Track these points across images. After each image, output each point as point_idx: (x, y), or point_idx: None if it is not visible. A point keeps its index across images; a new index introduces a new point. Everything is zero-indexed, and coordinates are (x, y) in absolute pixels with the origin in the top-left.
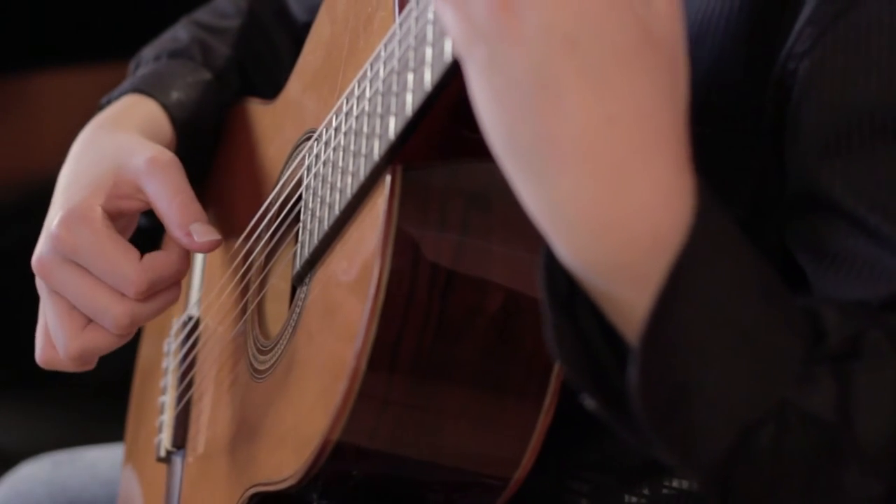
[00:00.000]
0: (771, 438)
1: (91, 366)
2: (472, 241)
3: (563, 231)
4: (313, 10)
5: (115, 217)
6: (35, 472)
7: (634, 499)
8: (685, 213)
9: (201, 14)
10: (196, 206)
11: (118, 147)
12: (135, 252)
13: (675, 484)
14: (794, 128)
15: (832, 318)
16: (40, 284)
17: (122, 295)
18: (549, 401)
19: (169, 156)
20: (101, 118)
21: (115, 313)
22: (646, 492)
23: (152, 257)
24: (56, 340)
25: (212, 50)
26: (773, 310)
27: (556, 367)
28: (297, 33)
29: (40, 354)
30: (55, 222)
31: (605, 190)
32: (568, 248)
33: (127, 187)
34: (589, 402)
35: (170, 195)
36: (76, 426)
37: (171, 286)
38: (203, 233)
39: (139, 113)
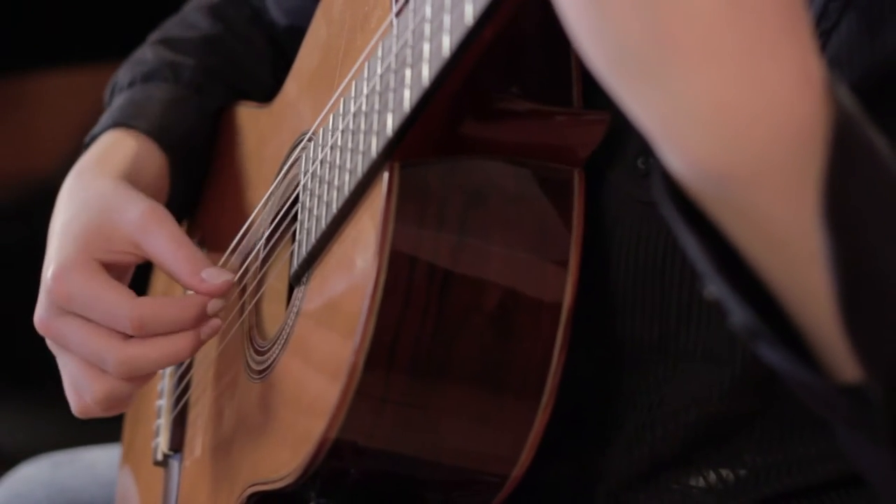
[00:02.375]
0: None
1: (127, 408)
2: (470, 237)
3: (693, 137)
4: (292, 14)
5: (110, 267)
6: (34, 472)
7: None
8: (819, 99)
9: (169, 27)
10: (200, 254)
11: (103, 197)
12: (128, 291)
13: (683, 481)
14: None
15: None
16: (51, 343)
17: (122, 339)
18: (547, 398)
19: (158, 208)
20: (83, 162)
21: (114, 357)
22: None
23: (149, 297)
24: (81, 390)
25: (180, 66)
26: None
27: (554, 365)
28: (277, 37)
29: (75, 407)
30: (48, 276)
31: (740, 80)
32: (699, 157)
33: (122, 244)
34: (740, 321)
35: (173, 249)
36: (75, 427)
37: (179, 333)
38: (216, 275)
39: (121, 152)
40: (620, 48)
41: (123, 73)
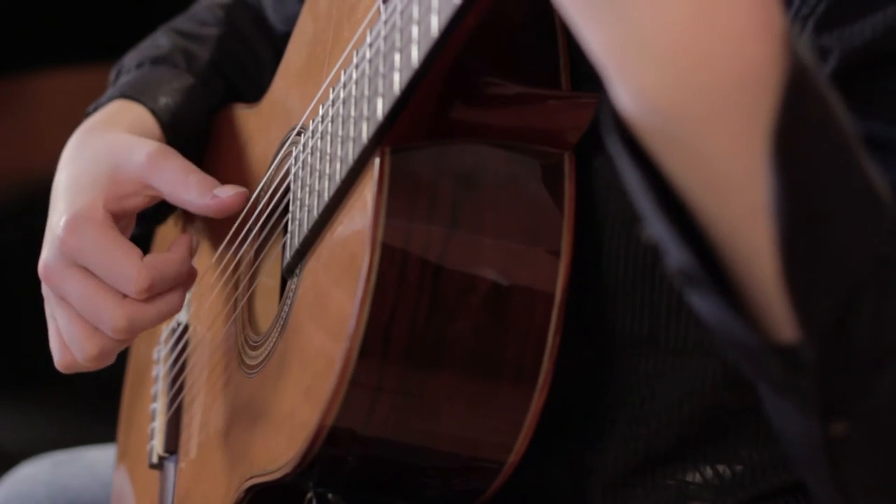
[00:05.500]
0: (871, 311)
1: (111, 362)
2: (462, 221)
3: (644, 71)
4: (290, 21)
5: (118, 217)
6: (35, 472)
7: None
8: (775, 46)
9: (180, 22)
10: (209, 177)
11: (113, 147)
12: (137, 251)
13: (679, 477)
14: None
15: None
16: (46, 291)
17: (121, 299)
18: (542, 381)
19: (164, 147)
20: (90, 122)
21: (112, 316)
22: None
23: (154, 257)
24: (72, 345)
25: (194, 56)
26: (869, 163)
27: (549, 347)
28: (276, 43)
29: (60, 360)
30: (60, 226)
31: (694, 16)
32: (649, 92)
33: (130, 186)
34: (676, 262)
35: (182, 178)
36: (76, 426)
37: (172, 290)
38: (228, 190)
39: (128, 116)
40: None
41: (131, 57)
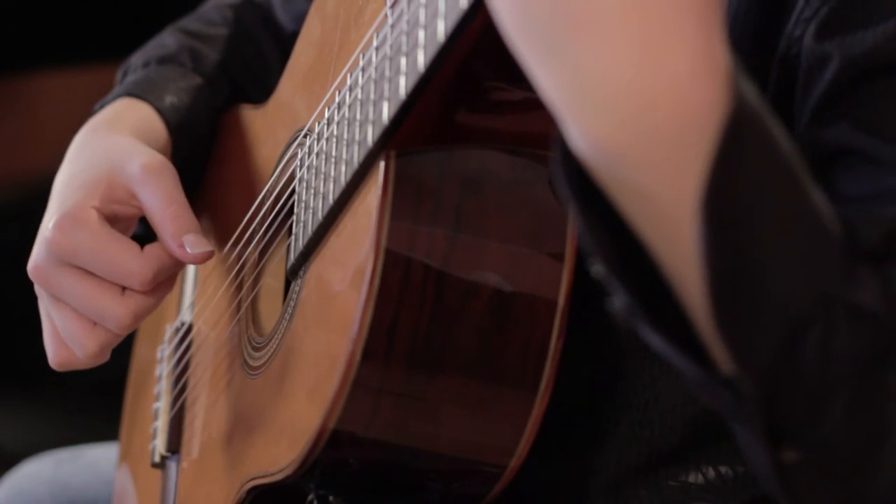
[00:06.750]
0: (817, 344)
1: (106, 359)
2: (466, 225)
3: (590, 115)
4: (299, 19)
5: (110, 220)
6: (37, 470)
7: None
8: (719, 88)
9: (188, 22)
10: (189, 216)
11: (112, 150)
12: (134, 245)
13: (682, 478)
14: (803, 87)
15: (861, 219)
16: (39, 290)
17: (122, 294)
18: (545, 386)
19: (163, 161)
20: (95, 121)
21: (116, 314)
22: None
23: (153, 248)
24: (72, 343)
25: (201, 56)
26: (816, 196)
27: (552, 352)
28: (284, 42)
29: (55, 358)
30: (49, 226)
31: (639, 62)
32: (595, 135)
33: (121, 192)
34: (619, 302)
35: (163, 205)
36: (78, 424)
37: (169, 277)
38: (195, 244)
39: (133, 116)
40: (527, 18)
41: (138, 56)
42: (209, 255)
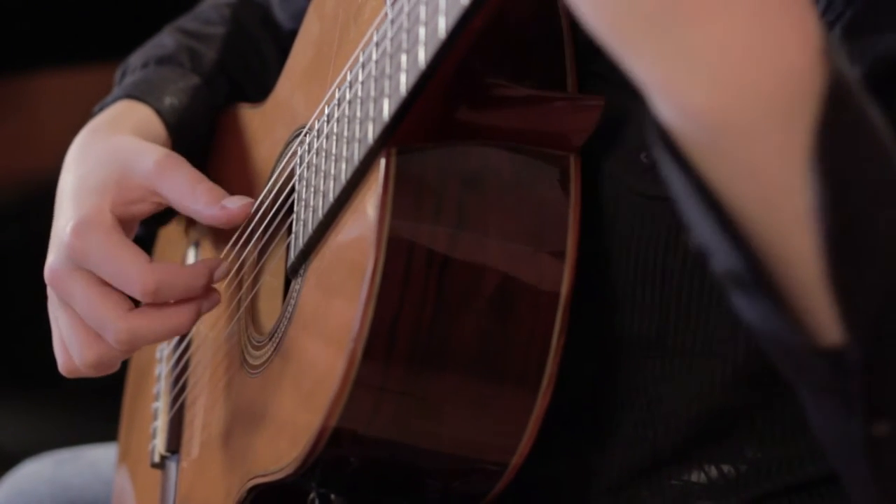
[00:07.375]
0: None
1: (113, 370)
2: (467, 222)
3: (696, 88)
4: (298, 18)
5: (124, 222)
6: (37, 470)
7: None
8: (817, 56)
9: (185, 21)
10: (217, 187)
11: (119, 150)
12: (144, 255)
13: (684, 477)
14: None
15: None
16: (51, 294)
17: (127, 309)
18: (546, 384)
19: (172, 153)
20: (95, 123)
21: (116, 326)
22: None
23: (163, 262)
24: (72, 350)
25: (199, 55)
26: None
27: (553, 349)
28: (283, 41)
29: (62, 365)
30: (67, 230)
31: (749, 31)
32: (700, 107)
33: (137, 192)
34: (723, 266)
35: (190, 187)
36: (78, 425)
37: (182, 304)
38: (236, 201)
39: (133, 117)
40: (630, 6)
41: (137, 57)
42: (251, 205)
